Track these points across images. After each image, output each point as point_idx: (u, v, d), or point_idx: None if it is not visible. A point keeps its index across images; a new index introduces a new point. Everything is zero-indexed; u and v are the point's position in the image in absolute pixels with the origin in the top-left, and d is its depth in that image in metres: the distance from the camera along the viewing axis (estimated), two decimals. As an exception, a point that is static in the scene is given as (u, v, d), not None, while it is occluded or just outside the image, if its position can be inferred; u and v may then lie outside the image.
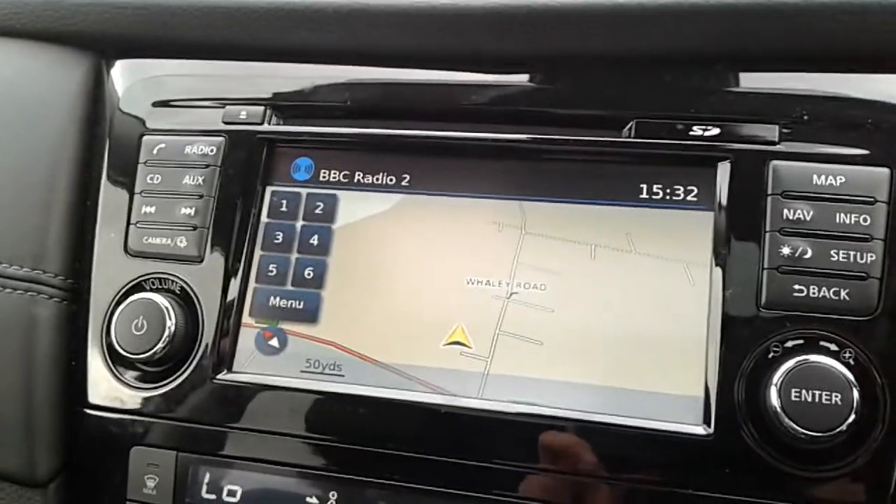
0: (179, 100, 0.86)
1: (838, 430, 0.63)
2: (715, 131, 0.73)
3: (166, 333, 0.77)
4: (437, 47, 0.80)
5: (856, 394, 0.64)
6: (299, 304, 0.78)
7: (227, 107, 0.83)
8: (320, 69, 0.83)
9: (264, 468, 0.75)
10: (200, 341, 0.78)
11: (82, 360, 0.82)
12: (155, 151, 0.84)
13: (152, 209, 0.82)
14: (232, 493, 0.76)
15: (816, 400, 0.64)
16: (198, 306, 0.79)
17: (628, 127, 0.75)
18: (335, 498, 0.74)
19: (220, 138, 0.82)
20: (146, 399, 0.79)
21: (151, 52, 0.89)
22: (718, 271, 0.70)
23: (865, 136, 0.70)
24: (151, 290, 0.80)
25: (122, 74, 0.89)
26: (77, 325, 0.83)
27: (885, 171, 0.69)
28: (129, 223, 0.83)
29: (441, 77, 0.81)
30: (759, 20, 0.72)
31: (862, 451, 0.65)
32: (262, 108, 0.82)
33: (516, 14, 0.77)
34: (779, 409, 0.64)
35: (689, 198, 0.73)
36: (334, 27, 0.81)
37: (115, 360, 0.81)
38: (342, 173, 0.81)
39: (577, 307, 0.73)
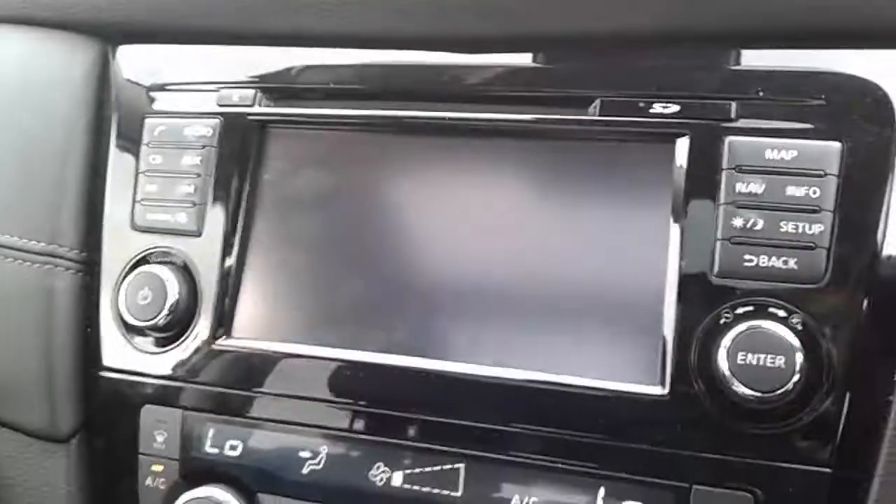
0: (178, 84, 0.91)
1: (782, 390, 0.68)
2: (675, 108, 0.76)
3: (169, 303, 0.83)
4: (416, 31, 0.84)
5: (800, 357, 0.68)
6: (294, 273, 0.84)
7: (221, 90, 0.88)
8: (306, 52, 0.88)
9: (262, 425, 0.82)
10: (201, 310, 0.84)
11: (96, 327, 0.89)
12: (156, 133, 0.89)
13: (155, 187, 0.88)
14: (233, 448, 0.83)
15: (761, 363, 0.68)
16: (197, 277, 0.85)
17: (593, 105, 0.79)
18: (325, 452, 0.80)
19: (216, 120, 0.88)
20: (154, 362, 0.86)
21: (153, 38, 0.94)
22: (675, 242, 0.74)
23: (818, 111, 0.73)
24: (156, 262, 0.86)
25: (126, 59, 0.95)
26: (91, 295, 0.90)
27: (836, 144, 0.72)
28: (134, 200, 0.89)
29: (419, 59, 0.85)
30: (718, 0, 0.76)
31: (807, 410, 0.69)
32: (252, 90, 0.87)
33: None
34: (726, 372, 0.69)
35: (654, 171, 0.77)
36: (321, 12, 0.86)
37: (126, 327, 0.87)
38: (330, 151, 0.86)
39: (547, 277, 0.78)
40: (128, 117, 0.92)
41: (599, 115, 0.78)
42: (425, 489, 0.78)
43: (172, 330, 0.85)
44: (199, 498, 0.81)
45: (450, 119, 0.82)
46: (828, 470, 0.69)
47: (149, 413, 0.86)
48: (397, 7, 0.83)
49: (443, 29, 0.84)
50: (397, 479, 0.78)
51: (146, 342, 0.87)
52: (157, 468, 0.84)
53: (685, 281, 0.73)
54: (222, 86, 0.89)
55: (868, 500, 0.69)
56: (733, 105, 0.75)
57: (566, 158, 0.80)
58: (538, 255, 0.78)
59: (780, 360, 0.68)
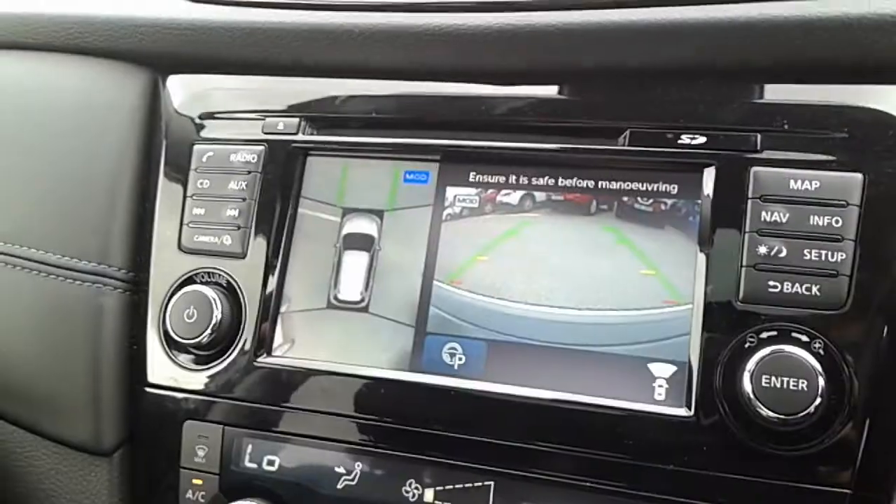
0: (225, 112, 0.95)
1: (805, 413, 0.70)
2: (702, 140, 0.79)
3: (213, 321, 0.87)
4: (450, 63, 0.88)
5: (822, 381, 0.70)
6: (330, 294, 0.87)
7: (267, 119, 0.93)
8: (347, 83, 0.92)
9: (299, 441, 0.85)
10: (244, 328, 0.88)
11: (142, 344, 0.93)
12: (204, 159, 0.94)
13: (202, 210, 0.92)
14: (271, 463, 0.86)
15: (785, 386, 0.71)
16: (241, 297, 0.89)
17: (623, 136, 0.82)
18: (360, 468, 0.83)
19: (261, 147, 0.92)
20: (197, 379, 0.90)
21: (201, 67, 0.99)
22: (702, 268, 0.77)
23: (840, 143, 0.76)
24: (201, 282, 0.90)
25: (176, 88, 0.99)
26: (138, 313, 0.94)
27: (859, 176, 0.75)
28: (181, 223, 0.93)
29: (454, 90, 0.89)
30: (744, 37, 0.79)
31: (829, 433, 0.71)
32: (296, 119, 0.92)
33: (520, 33, 0.84)
34: (751, 394, 0.71)
35: (681, 201, 0.80)
36: (358, 46, 0.90)
37: (171, 344, 0.91)
38: None
39: (574, 299, 0.81)
40: (177, 143, 0.96)
41: (629, 146, 0.81)
42: (458, 506, 0.80)
43: (216, 347, 0.88)
44: (237, 513, 0.84)
45: (484, 147, 0.86)
46: (848, 491, 0.71)
47: (191, 428, 0.89)
48: (432, 41, 0.87)
49: (477, 62, 0.88)
50: (429, 495, 0.81)
51: (189, 359, 0.90)
52: (198, 482, 0.88)
53: (711, 306, 0.76)
54: (267, 114, 0.93)
55: (888, 521, 0.71)
56: (758, 137, 0.78)
57: (598, 187, 0.83)
58: (571, 281, 0.81)
59: (803, 384, 0.70)
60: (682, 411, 0.75)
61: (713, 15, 0.79)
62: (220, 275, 0.90)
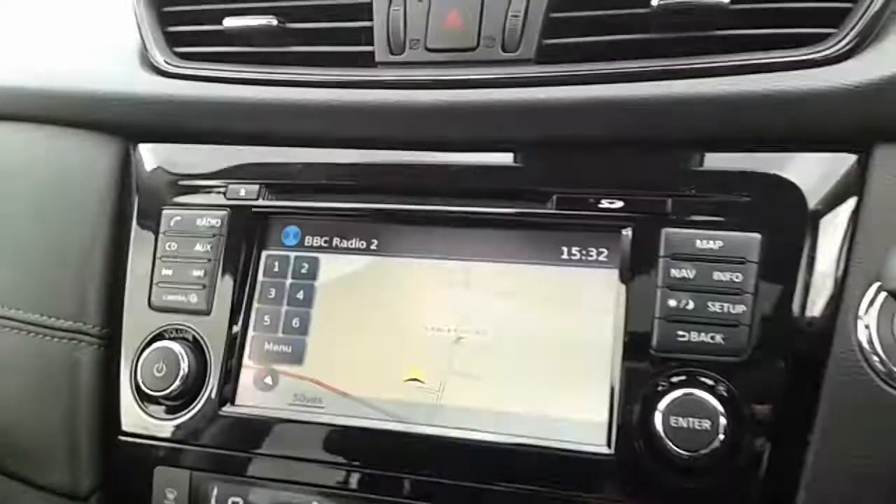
0: (191, 179, 1.04)
1: (709, 449, 0.79)
2: (619, 204, 0.89)
3: (181, 374, 0.95)
4: (402, 135, 0.97)
5: (723, 420, 0.79)
6: (288, 349, 0.96)
7: (230, 185, 1.01)
8: (305, 152, 1.01)
9: (260, 483, 0.93)
10: (209, 380, 0.96)
11: (116, 396, 1.01)
12: (172, 223, 1.02)
13: (170, 271, 1.00)
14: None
15: (691, 425, 0.79)
16: (207, 351, 0.96)
17: (551, 200, 0.91)
18: (319, 504, 0.91)
19: (224, 212, 1.00)
20: (166, 428, 0.97)
21: (170, 137, 1.07)
22: (621, 319, 0.86)
23: (742, 206, 0.85)
24: (169, 338, 0.98)
25: (146, 157, 1.08)
26: (111, 366, 1.02)
27: (757, 235, 0.84)
28: (151, 282, 1.01)
29: (403, 158, 0.98)
30: (655, 112, 0.88)
31: (732, 466, 0.80)
32: (257, 186, 1.00)
33: (467, 109, 0.94)
34: (662, 433, 0.80)
35: (599, 258, 0.89)
36: (318, 119, 0.99)
37: (142, 396, 0.99)
38: (323, 239, 0.99)
39: (511, 349, 0.89)
40: (147, 208, 1.05)
41: (556, 209, 0.90)
42: (406, 540, 0.88)
43: (183, 398, 0.96)
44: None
45: (427, 212, 0.95)
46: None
47: (161, 473, 0.96)
48: (382, 116, 0.96)
49: (422, 134, 0.97)
50: (386, 532, 0.89)
51: (159, 410, 0.98)
52: None
53: (629, 354, 0.85)
54: (230, 181, 1.02)
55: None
56: (669, 201, 0.87)
57: (532, 242, 0.92)
58: (508, 331, 0.90)
59: (707, 423, 0.79)
60: (603, 449, 0.84)
61: (628, 93, 0.89)
62: (186, 330, 0.98)
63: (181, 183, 1.04)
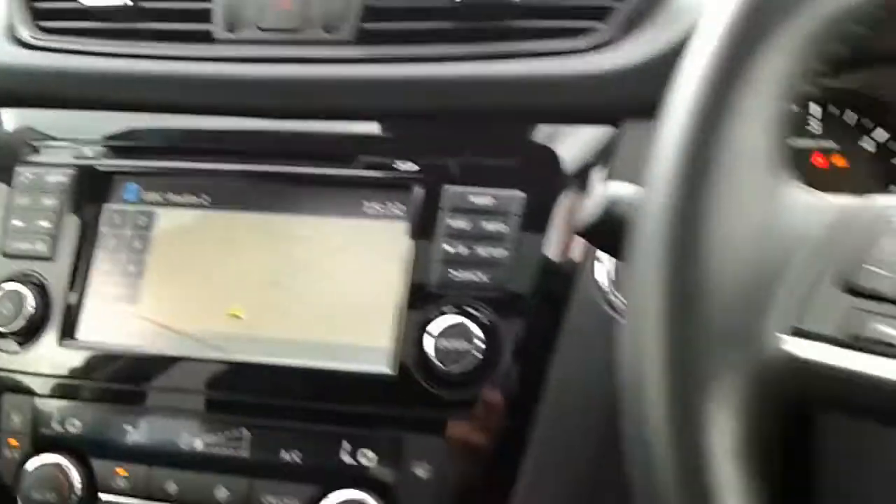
0: (44, 140, 1.15)
1: (470, 367, 0.94)
2: (411, 165, 1.04)
3: (25, 313, 1.06)
4: (234, 104, 1.10)
5: (481, 343, 0.95)
6: (125, 290, 1.08)
7: (78, 147, 1.13)
8: (147, 118, 1.13)
9: (94, 407, 1.06)
10: (52, 318, 1.08)
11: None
12: (23, 179, 1.14)
13: (20, 223, 1.12)
14: (73, 425, 1.06)
15: (455, 347, 0.95)
16: (50, 293, 1.08)
17: (357, 161, 1.06)
18: (144, 423, 1.04)
19: (72, 170, 1.12)
20: (13, 360, 1.09)
21: (29, 103, 1.18)
22: (409, 263, 1.01)
23: (511, 169, 1.01)
24: (17, 281, 1.09)
25: (4, 119, 1.19)
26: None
27: (522, 194, 1.00)
28: (4, 232, 1.13)
29: (233, 125, 1.11)
30: (448, 89, 1.04)
31: (487, 381, 0.96)
32: (103, 147, 1.13)
33: (289, 83, 1.09)
34: (432, 355, 0.96)
35: (395, 212, 1.04)
36: (160, 89, 1.12)
37: (-8, 332, 1.10)
38: (160, 195, 1.11)
39: (316, 289, 1.04)
40: (2, 166, 1.16)
41: (360, 170, 1.06)
42: (221, 451, 1.02)
43: (29, 334, 1.08)
44: (44, 464, 1.04)
45: (252, 170, 1.09)
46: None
47: (7, 399, 1.08)
48: (217, 87, 1.10)
49: (252, 103, 1.11)
50: (198, 444, 1.02)
51: (8, 343, 1.09)
52: (13, 442, 1.07)
53: (411, 292, 1.00)
54: (79, 143, 1.14)
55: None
56: (452, 163, 1.03)
57: (339, 198, 1.06)
58: (311, 272, 1.04)
59: (468, 345, 0.95)
60: (388, 371, 0.99)
61: (425, 73, 1.05)
62: (32, 275, 1.09)
63: (34, 143, 1.16)
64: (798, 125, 1.20)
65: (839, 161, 1.20)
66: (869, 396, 0.52)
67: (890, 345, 0.50)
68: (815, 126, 1.20)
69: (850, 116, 1.19)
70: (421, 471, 0.98)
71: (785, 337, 0.53)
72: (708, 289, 0.53)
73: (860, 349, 0.51)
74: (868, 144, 1.19)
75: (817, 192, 0.59)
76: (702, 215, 0.53)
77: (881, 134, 1.19)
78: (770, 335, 0.53)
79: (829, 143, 1.20)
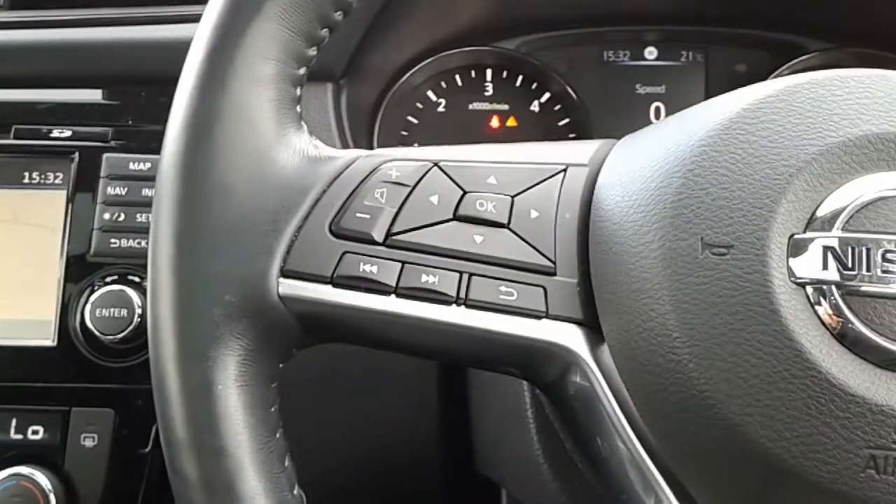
0: None
1: (124, 335, 0.95)
2: (68, 133, 1.03)
3: None
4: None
5: (139, 309, 0.96)
6: None
7: None
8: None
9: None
10: None
11: None
12: None
13: None
14: None
15: (111, 315, 0.95)
16: None
17: (11, 130, 1.03)
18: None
19: None
20: None
21: None
22: (68, 233, 1.00)
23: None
24: None
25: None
26: None
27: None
28: None
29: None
30: (94, 53, 1.03)
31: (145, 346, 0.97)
32: None
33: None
34: (89, 323, 0.95)
35: (55, 182, 1.03)
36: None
37: None
38: None
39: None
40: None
41: (14, 139, 1.03)
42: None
43: None
44: None
45: None
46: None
47: None
48: None
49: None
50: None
51: None
52: None
53: (70, 260, 0.99)
54: None
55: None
56: (110, 130, 1.02)
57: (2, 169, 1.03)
58: None
59: (124, 312, 0.95)
60: (49, 342, 0.98)
61: (72, 37, 1.04)
62: None
63: None
64: (475, 90, 1.27)
65: (512, 122, 1.27)
66: (361, 327, 0.57)
67: (372, 280, 0.54)
68: (489, 90, 1.27)
69: (519, 80, 1.27)
70: (90, 441, 0.98)
71: (282, 280, 0.57)
72: (207, 236, 0.56)
73: (346, 287, 0.56)
74: (535, 107, 1.27)
75: (323, 145, 0.63)
76: (202, 165, 0.57)
77: (546, 97, 1.27)
78: (269, 279, 0.57)
79: (503, 106, 1.27)
